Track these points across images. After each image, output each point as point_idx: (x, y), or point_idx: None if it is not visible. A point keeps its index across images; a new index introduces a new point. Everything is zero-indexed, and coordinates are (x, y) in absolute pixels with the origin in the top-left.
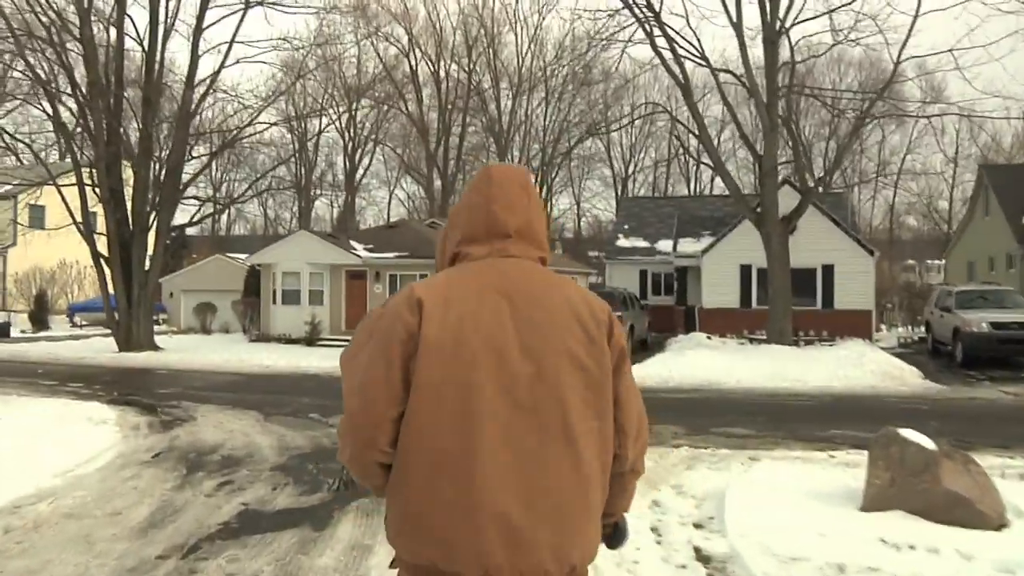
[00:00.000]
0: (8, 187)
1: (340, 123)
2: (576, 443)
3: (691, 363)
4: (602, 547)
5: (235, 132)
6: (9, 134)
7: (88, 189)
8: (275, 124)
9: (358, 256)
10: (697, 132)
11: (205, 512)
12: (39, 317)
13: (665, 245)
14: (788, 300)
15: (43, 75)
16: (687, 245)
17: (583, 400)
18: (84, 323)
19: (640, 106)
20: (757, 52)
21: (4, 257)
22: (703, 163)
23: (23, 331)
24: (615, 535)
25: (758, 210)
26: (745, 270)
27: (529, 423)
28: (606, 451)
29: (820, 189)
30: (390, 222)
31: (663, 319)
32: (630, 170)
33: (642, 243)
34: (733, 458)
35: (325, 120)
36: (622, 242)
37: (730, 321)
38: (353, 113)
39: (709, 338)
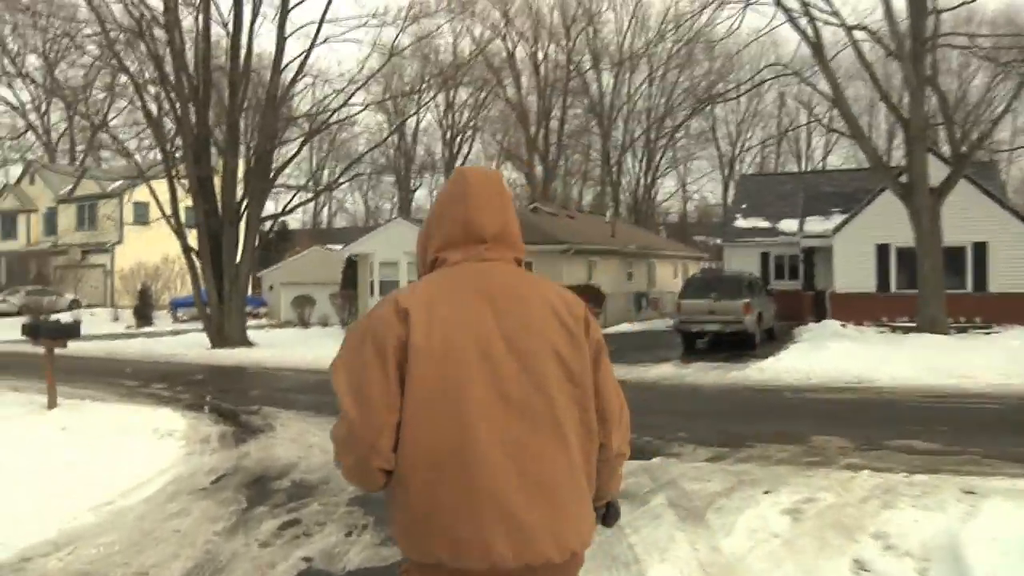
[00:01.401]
0: (114, 185)
1: (438, 111)
2: (564, 434)
3: (833, 356)
4: None
5: (328, 115)
6: (105, 130)
7: (179, 181)
8: (367, 107)
9: None
10: (833, 97)
11: (254, 574)
12: (143, 312)
13: (788, 225)
14: (941, 283)
15: (134, 68)
16: (815, 224)
17: (565, 393)
18: (185, 318)
19: (762, 69)
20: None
21: (111, 254)
22: (834, 130)
23: (128, 327)
24: (608, 513)
25: (902, 179)
26: (883, 250)
27: (519, 418)
28: (590, 440)
29: (973, 156)
30: None
31: (789, 306)
32: (737, 150)
33: (763, 223)
34: (940, 489)
35: (422, 107)
36: (740, 223)
37: (866, 307)
38: (450, 100)
39: (843, 326)
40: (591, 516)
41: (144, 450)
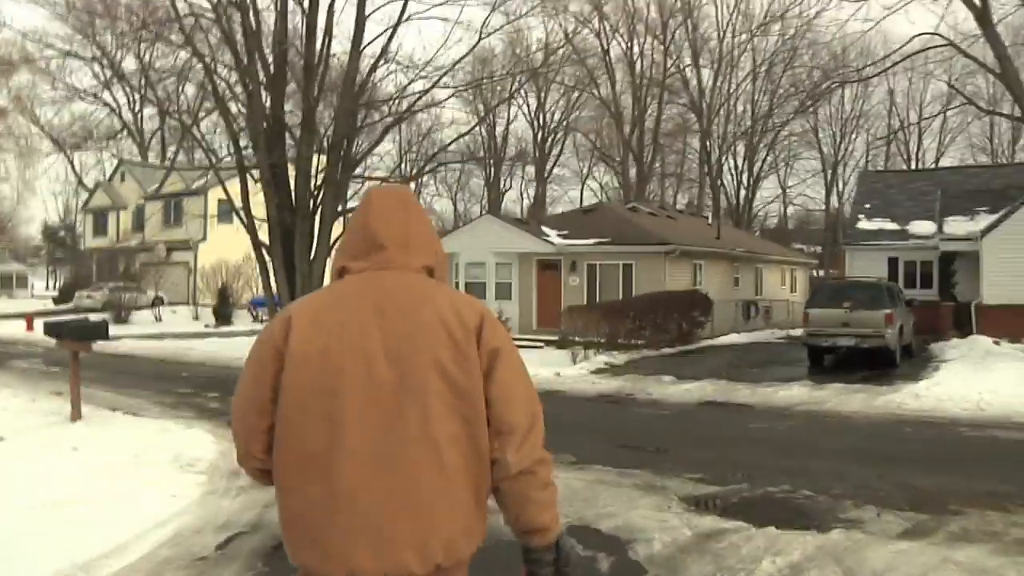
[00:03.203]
0: (200, 182)
1: (529, 111)
2: (439, 448)
3: (1005, 381)
4: None
5: (414, 99)
6: (196, 129)
7: (251, 173)
8: (455, 93)
9: (551, 243)
10: (999, 70)
11: None
12: (222, 311)
13: (921, 227)
14: None
15: (208, 53)
16: (956, 225)
17: (448, 406)
18: (265, 317)
19: (912, 40)
20: None
21: (195, 251)
22: (997, 113)
23: (206, 326)
24: (560, 558)
25: None
26: None
27: (391, 428)
28: (477, 457)
29: None
30: (586, 206)
31: (923, 318)
32: (841, 153)
33: (890, 225)
34: None
35: (512, 104)
36: (864, 224)
37: (1023, 322)
38: (542, 100)
39: (996, 343)
40: (471, 533)
41: (153, 488)
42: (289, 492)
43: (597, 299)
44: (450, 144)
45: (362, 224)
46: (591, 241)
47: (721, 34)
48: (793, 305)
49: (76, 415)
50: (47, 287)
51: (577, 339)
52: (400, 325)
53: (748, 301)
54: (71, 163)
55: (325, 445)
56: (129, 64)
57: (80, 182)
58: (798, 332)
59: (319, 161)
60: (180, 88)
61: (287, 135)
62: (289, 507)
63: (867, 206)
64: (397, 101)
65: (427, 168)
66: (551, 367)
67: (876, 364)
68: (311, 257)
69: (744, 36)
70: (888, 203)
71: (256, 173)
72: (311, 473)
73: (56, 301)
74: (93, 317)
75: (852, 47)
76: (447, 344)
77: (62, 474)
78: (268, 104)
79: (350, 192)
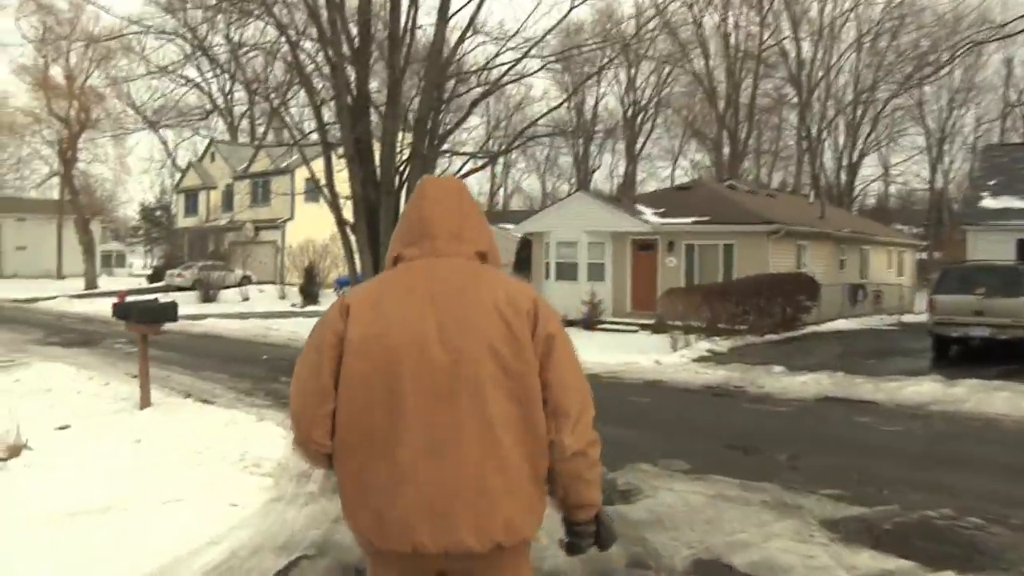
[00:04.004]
0: (288, 161)
1: (619, 88)
2: (494, 429)
3: None
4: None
5: (505, 68)
6: (284, 110)
7: (335, 149)
8: (544, 65)
9: (646, 222)
10: None
11: None
12: (308, 291)
13: None
14: None
15: (293, 29)
16: None
17: (502, 389)
18: None
19: None
20: None
21: (282, 230)
22: None
23: (292, 305)
24: (600, 533)
25: None
26: None
27: (448, 410)
28: (533, 438)
29: None
30: (682, 183)
31: None
32: (947, 129)
33: (1018, 203)
34: None
35: (602, 81)
36: (988, 203)
37: None
38: (632, 76)
39: None
40: (531, 512)
41: (212, 493)
42: (351, 474)
43: (696, 281)
44: (539, 119)
45: (417, 213)
46: (689, 220)
47: (822, 3)
48: (903, 289)
49: (145, 402)
50: (144, 266)
51: (676, 323)
52: (454, 310)
53: (855, 285)
54: (164, 144)
55: (385, 428)
56: (217, 40)
57: (173, 162)
58: (910, 319)
59: (404, 137)
60: (268, 67)
61: (372, 109)
62: (350, 487)
63: (991, 183)
64: (485, 73)
65: (515, 143)
66: (649, 354)
67: (1013, 357)
68: None
69: (848, 4)
70: (1016, 179)
71: (341, 150)
72: (372, 455)
73: (149, 279)
74: (164, 298)
75: (967, 15)
76: (500, 328)
77: (117, 472)
78: (353, 77)
79: (438, 170)
